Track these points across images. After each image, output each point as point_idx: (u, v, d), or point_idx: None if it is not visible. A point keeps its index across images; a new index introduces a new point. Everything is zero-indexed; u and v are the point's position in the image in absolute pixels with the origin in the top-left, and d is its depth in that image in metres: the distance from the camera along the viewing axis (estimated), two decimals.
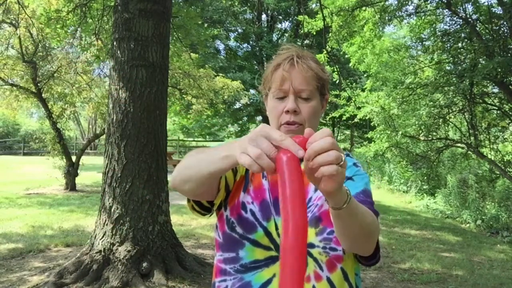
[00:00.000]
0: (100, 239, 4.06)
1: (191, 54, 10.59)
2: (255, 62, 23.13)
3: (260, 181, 1.08)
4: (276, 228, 1.02)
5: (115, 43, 4.31)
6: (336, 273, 1.00)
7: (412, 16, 8.85)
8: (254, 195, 1.06)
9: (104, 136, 5.92)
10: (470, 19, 7.83)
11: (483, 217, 8.26)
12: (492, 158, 8.67)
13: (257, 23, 22.92)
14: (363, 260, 1.01)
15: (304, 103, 1.04)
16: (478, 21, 7.93)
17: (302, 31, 11.06)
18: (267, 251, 1.01)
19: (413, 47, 10.21)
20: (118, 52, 4.24)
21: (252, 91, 21.53)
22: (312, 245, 0.99)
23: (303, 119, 1.03)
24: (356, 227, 0.84)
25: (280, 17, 24.32)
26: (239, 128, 25.02)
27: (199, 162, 0.89)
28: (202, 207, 1.09)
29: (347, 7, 8.70)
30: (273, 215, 1.03)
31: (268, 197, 1.05)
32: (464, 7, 8.02)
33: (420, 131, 9.29)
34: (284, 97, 1.05)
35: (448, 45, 8.37)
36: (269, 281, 1.00)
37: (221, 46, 23.82)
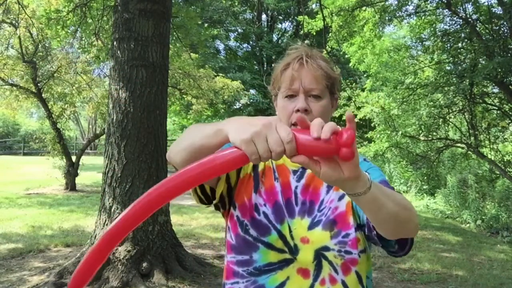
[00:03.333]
0: None
1: (191, 54, 10.59)
2: (255, 62, 23.12)
3: (272, 183, 1.07)
4: (290, 231, 1.01)
5: (115, 43, 4.31)
6: (351, 276, 1.00)
7: (412, 16, 8.85)
8: (266, 197, 1.05)
9: (104, 136, 5.92)
10: (470, 19, 7.83)
11: (483, 217, 8.26)
12: (492, 158, 8.67)
13: (257, 23, 22.92)
14: (395, 253, 1.00)
15: (315, 102, 1.04)
16: (478, 21, 7.93)
17: (302, 31, 11.05)
18: (281, 254, 1.00)
19: (413, 47, 10.21)
20: (118, 52, 4.24)
21: (252, 91, 21.53)
22: (327, 248, 0.99)
23: (314, 118, 1.03)
24: (387, 213, 0.79)
25: (280, 17, 24.32)
26: None
27: (194, 133, 0.87)
28: (204, 194, 1.07)
29: (347, 7, 8.70)
30: (286, 217, 1.03)
31: (281, 199, 1.05)
32: (464, 7, 8.02)
33: (420, 131, 9.29)
34: (294, 97, 1.05)
35: (448, 45, 8.37)
36: (282, 284, 0.99)
37: (221, 46, 23.82)
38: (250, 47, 23.94)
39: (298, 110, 1.02)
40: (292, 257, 1.00)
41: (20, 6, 7.86)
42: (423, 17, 8.73)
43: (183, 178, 0.68)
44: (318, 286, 0.98)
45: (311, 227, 1.01)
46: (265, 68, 22.41)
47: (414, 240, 0.99)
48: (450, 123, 9.73)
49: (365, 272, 1.03)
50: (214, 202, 1.08)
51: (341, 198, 1.03)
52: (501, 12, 7.50)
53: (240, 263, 1.03)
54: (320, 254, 0.99)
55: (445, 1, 7.81)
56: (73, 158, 10.71)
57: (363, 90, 13.01)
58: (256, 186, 1.07)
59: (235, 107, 22.52)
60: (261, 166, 1.10)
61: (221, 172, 0.70)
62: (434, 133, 9.50)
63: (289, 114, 1.04)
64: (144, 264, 3.97)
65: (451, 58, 8.38)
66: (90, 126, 29.02)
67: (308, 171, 1.07)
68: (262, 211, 1.03)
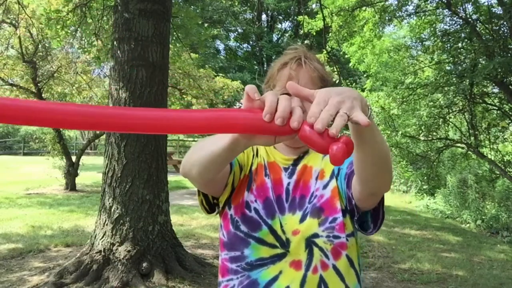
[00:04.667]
0: (100, 239, 4.06)
1: (191, 54, 10.59)
2: (255, 62, 23.14)
3: (263, 179, 1.09)
4: (281, 226, 1.03)
5: (115, 43, 4.31)
6: (342, 260, 1.02)
7: (412, 16, 8.86)
8: (257, 193, 1.07)
9: (104, 136, 5.92)
10: (470, 19, 7.83)
11: (483, 217, 8.25)
12: (492, 158, 8.66)
13: (257, 23, 22.92)
14: (368, 230, 1.04)
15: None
16: (478, 21, 7.93)
17: (302, 31, 11.06)
18: (272, 248, 1.02)
19: (413, 47, 10.20)
20: (118, 52, 4.24)
21: None
22: (316, 235, 1.01)
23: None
24: (377, 149, 0.81)
25: (280, 17, 24.36)
26: None
27: (204, 145, 0.88)
28: (209, 203, 1.10)
29: (347, 7, 8.70)
30: (277, 212, 1.05)
31: (272, 195, 1.07)
32: (464, 7, 8.01)
33: (420, 131, 9.28)
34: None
35: (448, 45, 8.36)
36: (275, 278, 1.01)
37: (221, 46, 23.86)
38: (250, 47, 23.98)
39: None
40: (284, 251, 1.02)
41: (20, 6, 7.85)
42: (423, 17, 8.73)
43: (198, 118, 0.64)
44: (310, 275, 1.00)
45: (302, 219, 1.04)
46: (265, 68, 22.41)
47: (384, 217, 1.02)
48: (450, 123, 9.72)
49: (356, 256, 1.05)
50: (220, 206, 1.11)
51: (325, 186, 1.06)
52: (501, 12, 7.50)
53: (233, 259, 1.05)
54: (310, 242, 1.01)
55: (445, 1, 7.81)
56: (73, 158, 10.71)
57: (363, 90, 13.00)
58: (249, 184, 1.09)
59: (235, 107, 22.52)
60: (254, 165, 1.12)
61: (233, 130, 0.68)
62: (434, 133, 9.49)
63: None
64: (144, 264, 3.97)
65: (451, 58, 8.38)
66: None
67: (299, 167, 1.10)
68: (253, 208, 1.05)
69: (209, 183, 0.98)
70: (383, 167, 0.86)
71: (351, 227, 1.04)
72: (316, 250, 1.01)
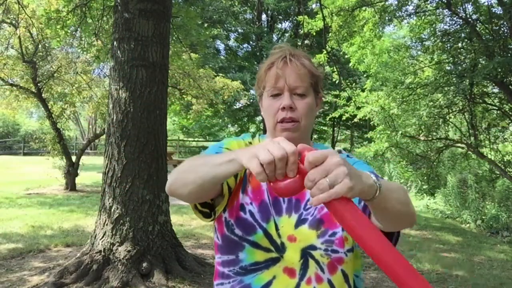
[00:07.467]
0: (100, 239, 4.06)
1: (191, 54, 10.59)
2: (255, 62, 23.10)
3: (258, 182, 1.06)
4: (276, 229, 1.01)
5: (115, 43, 4.31)
6: (337, 275, 1.00)
7: (412, 16, 8.85)
8: (252, 196, 1.05)
9: (104, 136, 5.92)
10: (470, 19, 7.82)
11: (483, 217, 8.26)
12: (492, 158, 8.66)
13: (257, 23, 22.90)
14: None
15: (300, 99, 1.05)
16: (478, 21, 7.93)
17: (302, 31, 11.06)
18: (267, 252, 1.00)
19: (413, 47, 10.19)
20: (118, 52, 4.24)
21: (252, 91, 21.51)
22: (313, 247, 0.99)
23: (299, 116, 1.04)
24: (395, 206, 0.84)
25: (280, 17, 24.33)
26: (239, 129, 25.01)
27: (201, 166, 0.88)
28: (204, 206, 1.07)
29: (347, 7, 8.69)
30: (273, 215, 1.02)
31: (267, 198, 1.04)
32: (464, 7, 8.01)
33: (420, 131, 9.28)
34: (279, 95, 1.05)
35: (448, 45, 8.36)
36: (269, 283, 0.99)
37: (221, 46, 23.83)
38: (250, 47, 23.95)
39: (283, 108, 1.03)
40: (278, 256, 1.00)
41: (20, 6, 7.85)
42: (423, 17, 8.72)
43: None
44: (304, 285, 0.98)
45: (297, 225, 1.02)
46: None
47: (400, 235, 1.02)
48: (450, 123, 9.72)
49: (352, 271, 1.03)
50: (216, 215, 1.08)
51: None
52: (501, 12, 7.49)
53: (226, 263, 1.04)
54: (306, 253, 0.99)
55: (445, 1, 7.81)
56: (73, 158, 10.71)
57: (363, 90, 13.00)
58: (244, 186, 1.07)
59: (235, 107, 22.51)
60: None
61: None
62: (434, 133, 9.49)
63: (274, 112, 1.04)
64: (144, 264, 3.97)
65: (451, 58, 8.37)
66: (90, 126, 28.99)
67: None
68: (248, 210, 1.03)
69: (198, 199, 0.98)
70: (402, 219, 0.88)
71: (352, 241, 1.01)
72: (311, 262, 0.99)
